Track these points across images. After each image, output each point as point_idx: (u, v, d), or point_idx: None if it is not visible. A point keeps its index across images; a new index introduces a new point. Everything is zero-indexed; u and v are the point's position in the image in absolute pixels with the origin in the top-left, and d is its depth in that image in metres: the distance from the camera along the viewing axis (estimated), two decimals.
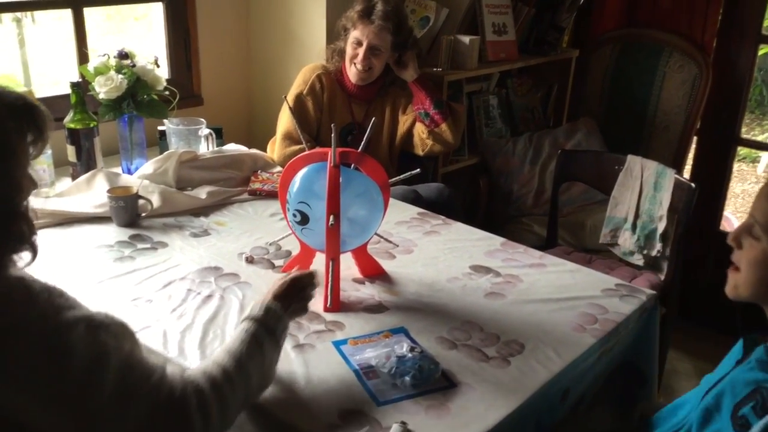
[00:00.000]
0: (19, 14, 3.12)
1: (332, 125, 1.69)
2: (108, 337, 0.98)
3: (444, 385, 1.36)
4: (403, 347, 1.42)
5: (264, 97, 3.08)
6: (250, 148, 2.70)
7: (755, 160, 5.81)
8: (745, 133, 5.91)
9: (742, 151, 5.45)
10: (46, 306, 0.94)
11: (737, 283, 1.18)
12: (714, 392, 1.19)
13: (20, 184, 1.01)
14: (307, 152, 1.69)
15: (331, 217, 1.56)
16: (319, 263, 1.71)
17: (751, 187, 5.57)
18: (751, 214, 1.16)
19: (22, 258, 1.02)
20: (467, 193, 3.13)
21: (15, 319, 0.92)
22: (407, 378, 1.34)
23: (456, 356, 1.47)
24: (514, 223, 3.08)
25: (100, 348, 0.96)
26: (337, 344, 1.48)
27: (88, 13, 2.55)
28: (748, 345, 1.20)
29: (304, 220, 1.64)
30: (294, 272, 1.41)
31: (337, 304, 1.62)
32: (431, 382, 1.36)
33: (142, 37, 3.26)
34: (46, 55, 3.24)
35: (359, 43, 2.46)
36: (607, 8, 3.37)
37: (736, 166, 5.71)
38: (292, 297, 1.35)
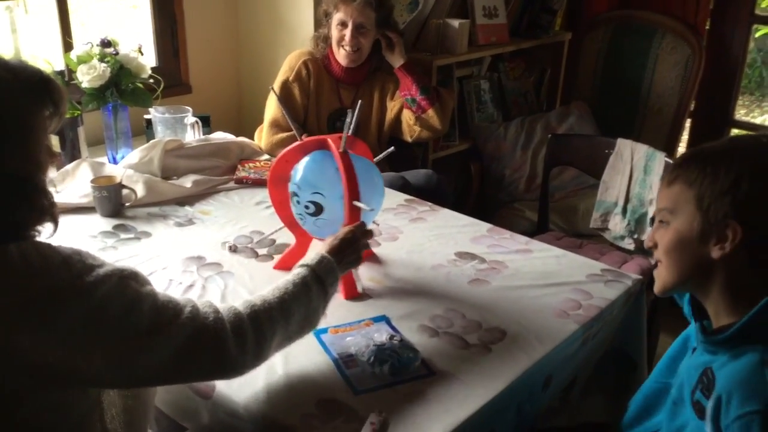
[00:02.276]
0: (10, 3, 3.09)
1: (270, 87, 1.72)
2: (137, 285, 1.06)
3: (423, 374, 1.35)
4: (383, 336, 1.41)
5: (254, 85, 3.06)
6: (239, 135, 2.68)
7: None
8: (745, 115, 5.88)
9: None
10: (80, 266, 1.00)
11: (661, 277, 1.19)
12: (677, 384, 1.19)
13: (39, 160, 1.05)
14: (299, 142, 1.66)
15: (361, 204, 1.54)
16: None
17: None
18: (656, 209, 1.16)
19: (45, 229, 1.08)
20: (459, 178, 3.12)
21: (55, 279, 0.98)
22: (385, 367, 1.33)
23: (437, 344, 1.45)
24: (507, 208, 3.06)
25: (132, 295, 1.03)
26: (318, 333, 1.46)
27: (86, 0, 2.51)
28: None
29: (318, 210, 1.61)
30: (345, 227, 1.48)
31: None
32: (410, 371, 1.35)
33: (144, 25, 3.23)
34: (38, 45, 3.21)
35: (344, 24, 2.44)
36: None
37: None
38: (345, 250, 1.40)
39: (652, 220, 2.34)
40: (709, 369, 1.11)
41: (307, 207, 1.61)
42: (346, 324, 1.51)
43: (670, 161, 2.31)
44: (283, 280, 1.28)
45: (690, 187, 1.11)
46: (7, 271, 0.96)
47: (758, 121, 5.69)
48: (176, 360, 1.05)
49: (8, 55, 1.12)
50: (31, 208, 1.03)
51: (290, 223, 1.74)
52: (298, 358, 1.39)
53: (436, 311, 1.58)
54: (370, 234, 1.53)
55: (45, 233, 1.08)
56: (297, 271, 1.31)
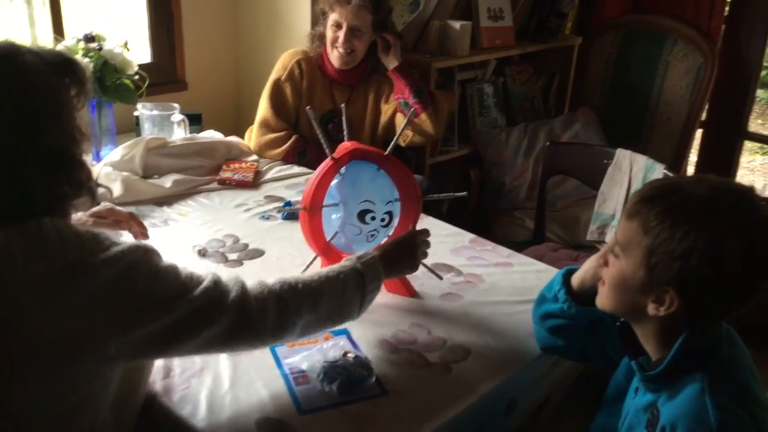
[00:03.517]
0: None
1: (307, 108, 1.64)
2: (158, 258, 1.09)
3: (375, 393, 1.28)
4: (337, 351, 1.35)
5: (252, 81, 3.00)
6: (237, 133, 2.63)
7: None
8: (762, 123, 5.69)
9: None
10: (107, 241, 1.05)
11: (602, 299, 1.17)
12: (625, 427, 1.13)
13: (74, 135, 1.09)
14: (328, 159, 1.54)
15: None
16: None
17: None
18: (616, 232, 1.13)
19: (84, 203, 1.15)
20: (457, 185, 3.04)
21: (85, 251, 1.02)
22: (334, 385, 1.27)
23: (395, 361, 1.39)
24: (506, 216, 2.97)
25: (154, 266, 1.07)
26: (272, 347, 1.40)
27: None
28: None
29: (391, 219, 1.58)
30: (409, 231, 1.49)
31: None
32: (362, 390, 1.28)
33: None
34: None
35: (339, 26, 2.37)
36: None
37: (759, 159, 5.51)
38: (400, 252, 1.42)
39: None
40: (654, 406, 1.07)
41: (383, 220, 1.56)
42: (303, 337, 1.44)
43: (670, 174, 2.21)
44: (326, 267, 1.31)
45: (645, 233, 1.05)
46: (43, 242, 1.00)
47: None
48: (196, 319, 1.08)
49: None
50: (68, 181, 1.07)
51: (324, 251, 1.58)
52: (247, 371, 1.33)
53: (402, 326, 1.51)
54: (428, 243, 1.51)
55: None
56: (342, 262, 1.32)
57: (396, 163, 1.58)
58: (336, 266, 1.31)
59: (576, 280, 1.30)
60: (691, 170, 3.32)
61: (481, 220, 3.01)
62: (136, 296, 1.04)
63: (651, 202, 1.06)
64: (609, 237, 2.39)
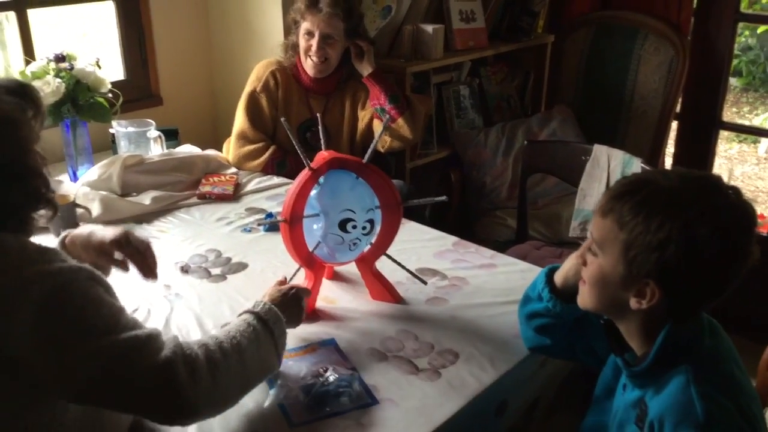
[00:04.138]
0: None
1: (282, 120, 1.64)
2: (99, 288, 1.05)
3: (365, 403, 1.28)
4: (318, 367, 1.34)
5: (227, 94, 2.99)
6: (214, 147, 2.62)
7: (756, 141, 5.65)
8: (748, 113, 5.77)
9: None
10: (56, 257, 1.04)
11: (583, 298, 1.18)
12: (615, 424, 1.14)
13: (30, 149, 1.11)
14: (306, 170, 1.53)
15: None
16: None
17: (752, 169, 5.41)
18: (590, 231, 1.14)
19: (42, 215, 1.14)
20: (439, 187, 3.04)
21: (22, 265, 1.01)
22: (323, 397, 1.26)
23: (384, 369, 1.38)
24: (488, 216, 2.98)
25: (92, 293, 1.03)
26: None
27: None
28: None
29: (372, 227, 1.57)
30: (292, 285, 1.45)
31: None
32: (350, 402, 1.28)
33: None
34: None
35: (311, 34, 2.37)
36: None
37: (736, 147, 5.57)
38: (288, 306, 1.36)
39: None
40: (642, 401, 1.09)
41: (364, 228, 1.54)
42: (291, 349, 1.43)
43: (648, 167, 2.23)
44: (230, 323, 1.24)
45: (621, 229, 1.06)
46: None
47: (758, 120, 5.59)
48: (117, 368, 0.99)
49: None
50: (22, 190, 1.08)
51: (307, 262, 1.57)
52: None
53: (389, 333, 1.51)
54: (308, 293, 1.49)
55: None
56: (243, 316, 1.25)
57: (375, 171, 1.58)
58: (244, 321, 1.23)
59: (559, 277, 1.31)
60: (668, 162, 3.34)
61: (464, 221, 3.01)
62: (67, 315, 0.99)
63: (623, 198, 1.07)
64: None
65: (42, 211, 1.14)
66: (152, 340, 1.04)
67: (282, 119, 1.66)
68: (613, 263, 1.08)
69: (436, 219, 2.67)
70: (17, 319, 0.97)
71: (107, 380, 1.00)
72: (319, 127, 1.68)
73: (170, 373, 1.01)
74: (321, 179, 1.54)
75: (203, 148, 2.55)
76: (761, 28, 5.37)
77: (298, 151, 1.55)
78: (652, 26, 3.04)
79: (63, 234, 1.39)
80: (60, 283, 1.00)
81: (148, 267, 1.39)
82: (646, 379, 1.09)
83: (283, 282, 1.49)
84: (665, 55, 3.01)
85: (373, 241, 1.60)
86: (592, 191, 2.39)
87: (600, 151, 2.36)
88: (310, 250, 1.55)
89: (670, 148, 3.32)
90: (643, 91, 3.09)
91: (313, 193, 1.54)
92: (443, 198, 1.65)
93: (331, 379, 1.29)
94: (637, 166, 2.24)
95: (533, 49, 3.27)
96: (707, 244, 1.00)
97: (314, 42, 2.36)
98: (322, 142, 1.66)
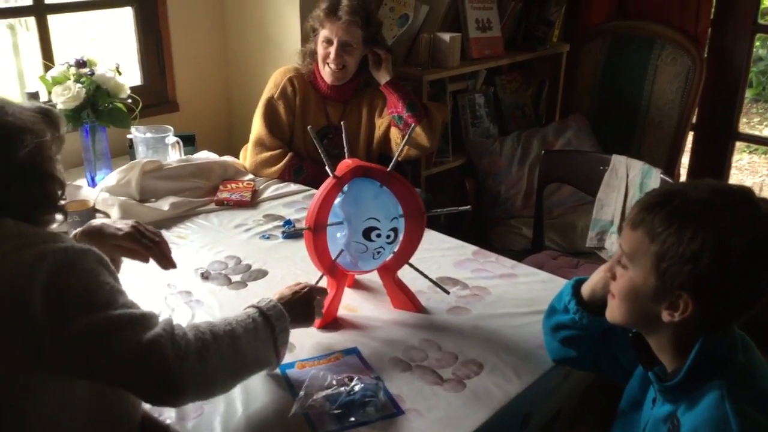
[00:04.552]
0: (12, 21, 3.06)
1: (309, 128, 1.65)
2: (103, 270, 1.08)
3: (390, 413, 1.27)
4: (342, 376, 1.33)
5: (243, 101, 3.00)
6: (230, 153, 2.62)
7: (766, 153, 5.62)
8: (758, 124, 5.73)
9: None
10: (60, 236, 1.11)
11: (613, 312, 1.17)
12: None
13: (51, 156, 1.16)
14: (330, 178, 1.53)
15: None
16: None
17: (763, 180, 5.38)
18: (619, 244, 1.13)
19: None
20: (453, 195, 3.04)
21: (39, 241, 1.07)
22: (349, 407, 1.25)
23: (408, 379, 1.37)
24: (503, 225, 2.97)
25: (95, 272, 1.07)
26: (283, 368, 1.39)
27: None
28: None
29: (396, 235, 1.56)
30: (305, 284, 1.44)
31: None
32: (376, 411, 1.27)
33: None
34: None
35: (329, 42, 2.37)
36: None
37: (747, 158, 5.55)
38: (296, 304, 1.37)
39: None
40: (674, 416, 1.07)
41: (388, 236, 1.53)
42: (313, 358, 1.43)
43: (667, 178, 2.22)
44: (231, 316, 1.25)
45: (652, 241, 1.05)
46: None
47: None
48: (111, 340, 1.03)
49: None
50: (41, 191, 1.13)
51: (330, 270, 1.57)
52: (260, 395, 1.32)
53: (411, 342, 1.50)
54: (324, 292, 1.50)
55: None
56: (247, 310, 1.27)
57: (399, 179, 1.57)
58: (246, 314, 1.26)
59: (586, 290, 1.30)
60: (684, 173, 3.33)
61: (478, 229, 3.01)
62: (72, 289, 1.04)
63: (654, 209, 1.06)
64: (608, 243, 2.40)
65: (57, 216, 1.18)
66: (146, 318, 1.09)
67: (309, 127, 1.67)
68: (645, 276, 1.07)
69: (451, 228, 2.66)
70: (31, 293, 1.01)
71: (102, 352, 1.03)
72: (343, 135, 1.68)
73: (158, 347, 1.04)
74: (345, 187, 1.53)
75: (219, 155, 2.55)
76: None
77: (324, 160, 1.55)
78: (669, 37, 3.04)
79: (74, 231, 1.40)
80: (70, 258, 1.05)
81: (165, 257, 1.44)
82: (678, 394, 1.08)
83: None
84: (682, 65, 3.01)
85: (396, 249, 1.60)
86: (609, 201, 2.38)
87: (618, 161, 2.36)
88: (333, 258, 1.55)
89: (684, 159, 3.31)
90: (660, 101, 3.09)
91: (337, 201, 1.53)
92: (467, 207, 1.65)
93: (357, 388, 1.28)
94: (656, 176, 2.23)
95: (548, 59, 3.27)
96: (741, 254, 0.99)
97: (332, 49, 2.37)
98: (345, 150, 1.66)
